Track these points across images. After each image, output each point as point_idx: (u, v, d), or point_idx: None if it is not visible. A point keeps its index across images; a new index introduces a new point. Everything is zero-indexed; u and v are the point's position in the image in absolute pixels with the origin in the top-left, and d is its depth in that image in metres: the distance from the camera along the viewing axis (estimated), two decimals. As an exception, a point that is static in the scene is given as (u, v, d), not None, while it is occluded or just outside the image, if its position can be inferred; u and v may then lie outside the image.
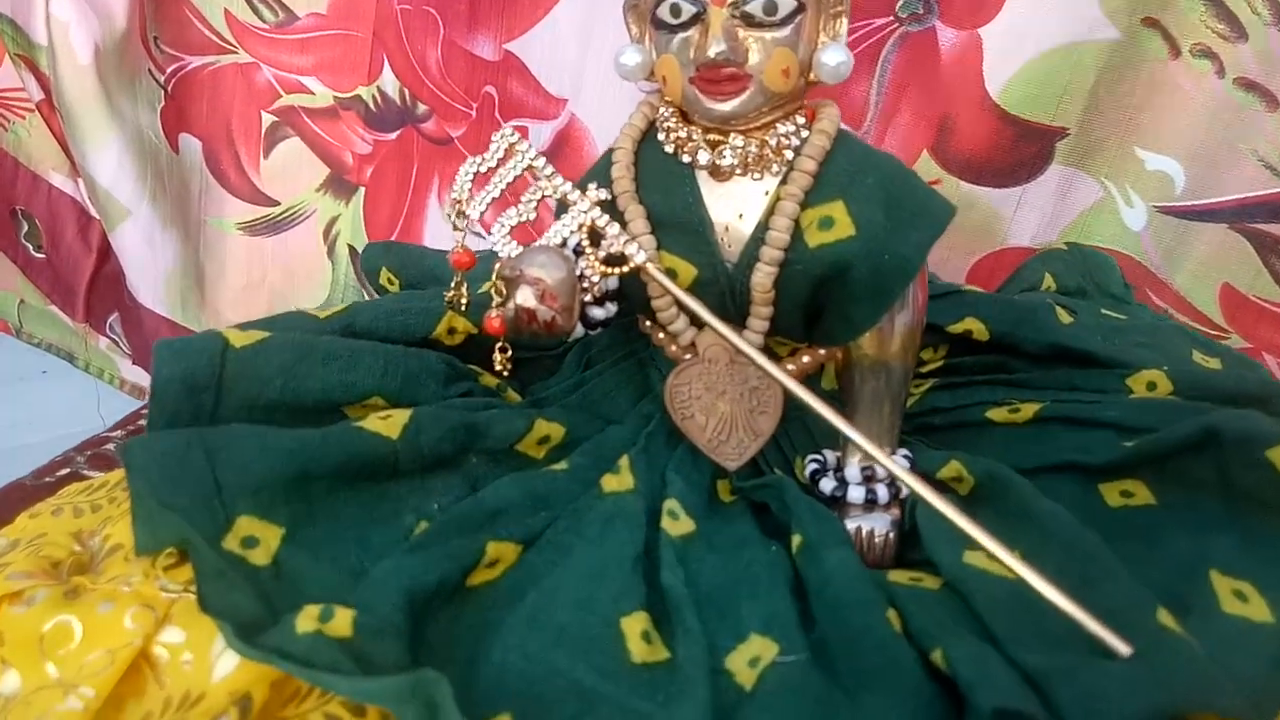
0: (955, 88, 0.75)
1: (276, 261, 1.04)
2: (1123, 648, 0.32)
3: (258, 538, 0.37)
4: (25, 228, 1.17)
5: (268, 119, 0.98)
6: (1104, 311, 0.58)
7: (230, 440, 0.38)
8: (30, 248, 1.20)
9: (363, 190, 0.99)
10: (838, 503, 0.44)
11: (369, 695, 0.31)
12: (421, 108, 0.93)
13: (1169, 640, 0.33)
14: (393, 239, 0.97)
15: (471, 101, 0.91)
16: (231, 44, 0.96)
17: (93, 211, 1.12)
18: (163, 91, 1.01)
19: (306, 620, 0.33)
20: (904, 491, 0.44)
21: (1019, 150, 0.76)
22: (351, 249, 1.01)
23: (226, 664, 0.35)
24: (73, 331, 1.24)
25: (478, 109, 0.91)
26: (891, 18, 0.75)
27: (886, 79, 0.77)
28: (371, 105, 0.95)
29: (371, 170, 0.98)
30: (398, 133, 0.96)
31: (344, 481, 0.40)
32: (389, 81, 0.94)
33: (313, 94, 0.96)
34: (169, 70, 0.99)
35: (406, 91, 0.93)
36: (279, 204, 1.01)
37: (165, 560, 0.38)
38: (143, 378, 1.23)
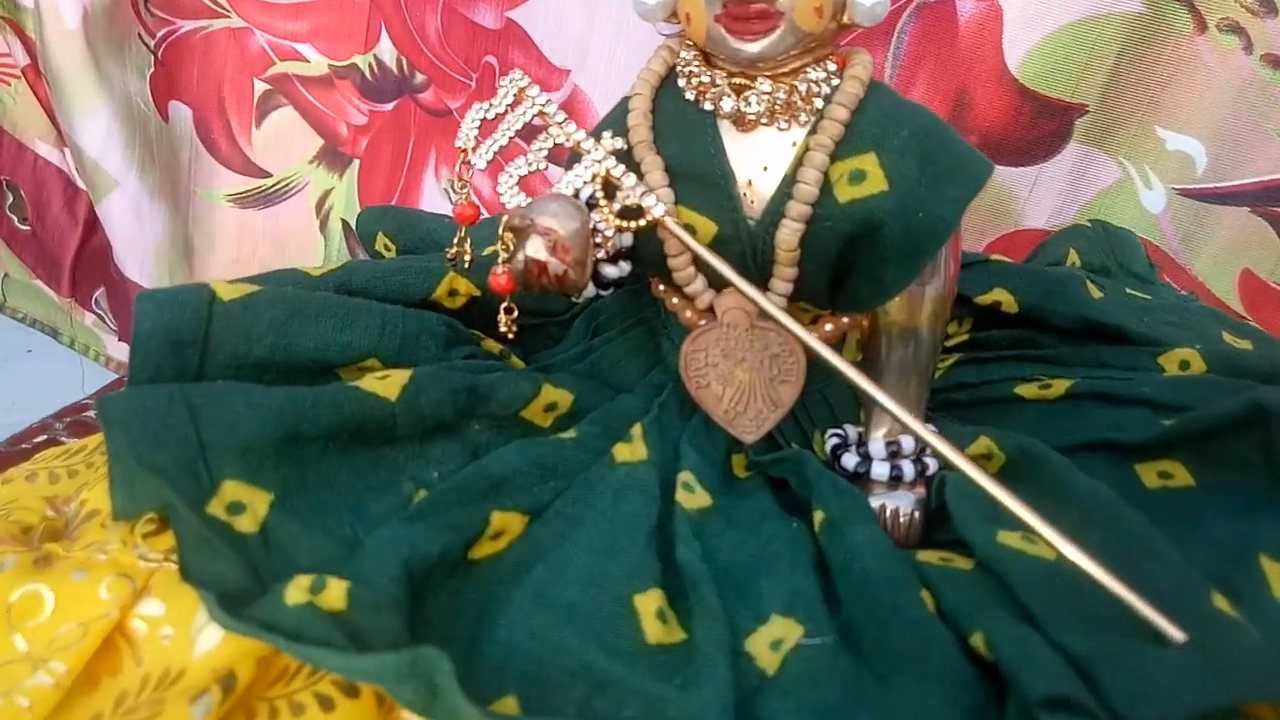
0: (973, 61, 0.73)
1: (267, 235, 1.02)
2: (1176, 634, 0.30)
3: (244, 503, 0.35)
4: (10, 199, 1.16)
5: (260, 87, 0.96)
6: (1129, 291, 0.57)
7: (216, 397, 0.36)
8: (15, 220, 1.18)
9: (357, 163, 0.97)
10: (860, 480, 0.43)
11: (364, 673, 0.29)
12: (419, 77, 0.92)
13: (1224, 626, 0.31)
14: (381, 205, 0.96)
15: (471, 72, 0.89)
16: (224, 8, 0.94)
17: (79, 183, 1.10)
18: (152, 57, 0.99)
19: (297, 591, 0.30)
20: (930, 469, 0.42)
21: (1037, 127, 0.74)
22: (345, 223, 0.99)
23: (209, 639, 0.32)
24: (58, 306, 1.23)
25: (478, 80, 0.89)
26: (910, -12, 0.73)
27: (903, 51, 0.75)
28: (368, 74, 0.93)
29: (366, 142, 0.96)
30: (394, 103, 0.94)
31: (338, 445, 0.37)
32: (386, 50, 0.92)
33: (307, 61, 0.94)
34: (159, 35, 0.97)
35: (404, 60, 0.91)
36: (271, 175, 1.00)
37: (145, 527, 0.35)
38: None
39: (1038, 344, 0.51)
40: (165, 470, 0.34)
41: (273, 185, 1.00)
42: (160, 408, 0.35)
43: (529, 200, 0.39)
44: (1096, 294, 0.51)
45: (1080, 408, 0.45)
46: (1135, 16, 0.69)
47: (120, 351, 1.22)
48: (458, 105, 0.91)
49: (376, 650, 0.29)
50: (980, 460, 0.42)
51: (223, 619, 0.30)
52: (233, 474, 0.35)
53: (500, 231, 0.39)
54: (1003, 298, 0.51)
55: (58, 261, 1.18)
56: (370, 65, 0.93)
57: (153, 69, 0.99)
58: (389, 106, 0.94)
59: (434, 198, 0.95)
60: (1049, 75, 0.72)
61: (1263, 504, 0.38)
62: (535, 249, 0.37)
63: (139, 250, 1.06)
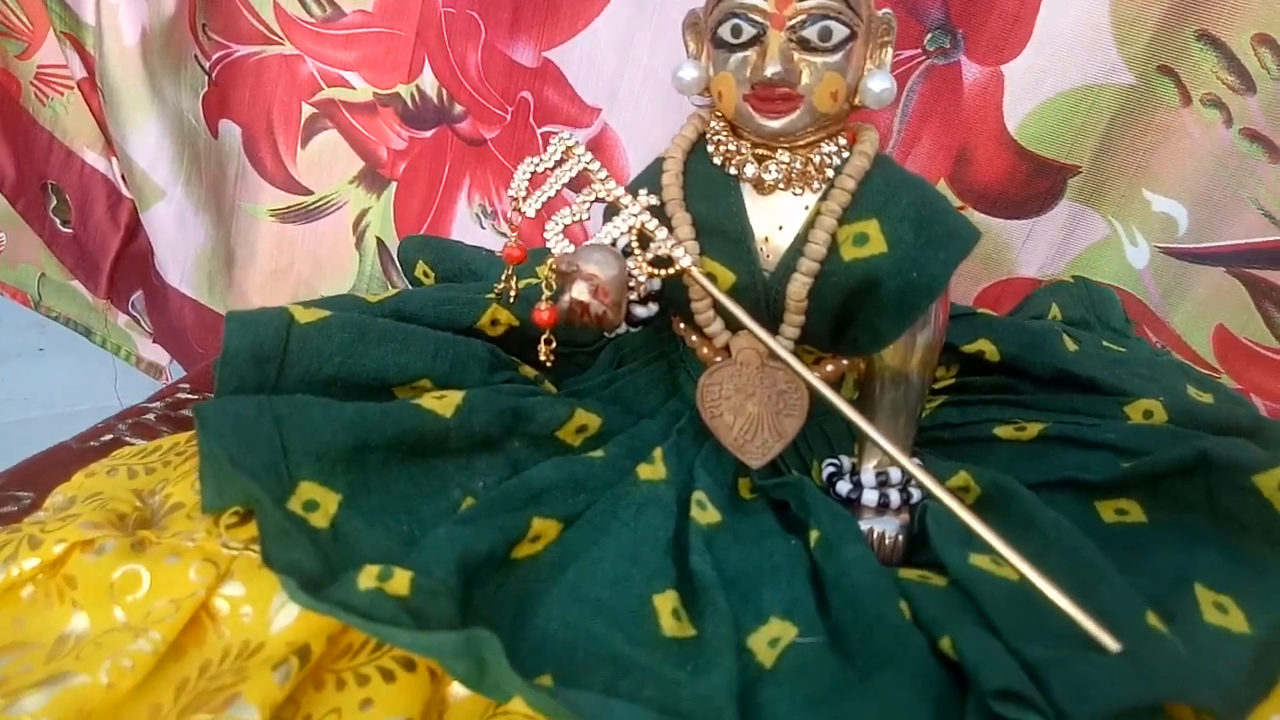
0: (975, 121, 0.79)
1: (305, 249, 1.07)
2: (1113, 644, 0.35)
3: (318, 501, 0.40)
4: (54, 202, 1.20)
5: (308, 110, 1.01)
6: (1105, 344, 0.62)
7: (298, 409, 0.41)
8: (57, 222, 1.22)
9: (395, 185, 1.02)
10: (852, 505, 0.47)
11: (426, 649, 0.33)
12: (458, 108, 0.97)
13: (1155, 639, 0.36)
14: (421, 234, 1.00)
15: (507, 105, 0.94)
16: (278, 35, 0.99)
17: (124, 190, 1.15)
18: (207, 78, 1.04)
19: (367, 578, 0.35)
20: (914, 498, 0.47)
21: (1032, 184, 0.79)
22: (380, 241, 1.03)
23: (285, 617, 0.37)
24: (92, 307, 1.26)
25: (513, 113, 0.94)
26: (919, 50, 0.78)
27: (911, 108, 0.80)
28: (410, 103, 0.98)
29: (405, 166, 1.01)
30: (433, 131, 0.99)
31: (397, 455, 0.43)
32: (428, 81, 0.97)
33: (353, 89, 1.00)
34: (215, 57, 1.03)
35: (445, 92, 0.96)
36: (312, 193, 1.05)
37: (228, 519, 0.41)
38: (161, 356, 1.26)
39: (1016, 390, 0.56)
40: (253, 470, 0.39)
41: (314, 202, 1.05)
42: (250, 416, 0.40)
43: (573, 247, 0.44)
44: (1072, 347, 0.57)
45: (1050, 449, 0.50)
46: (1127, 88, 0.75)
47: (152, 352, 1.27)
48: (493, 136, 0.96)
49: (435, 630, 0.34)
50: (959, 492, 0.47)
51: (304, 600, 0.35)
52: (309, 475, 0.40)
53: (546, 274, 0.44)
54: (986, 348, 0.56)
55: (97, 264, 1.22)
56: (412, 95, 0.98)
57: (206, 89, 1.05)
58: (428, 134, 0.99)
59: (466, 221, 1.00)
60: (1045, 137, 0.77)
61: (1202, 540, 0.43)
62: (580, 292, 0.42)
63: (181, 258, 1.11)
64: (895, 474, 0.47)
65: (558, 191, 0.46)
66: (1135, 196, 0.78)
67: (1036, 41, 0.75)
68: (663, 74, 0.87)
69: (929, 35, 0.78)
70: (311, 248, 1.06)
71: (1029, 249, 0.82)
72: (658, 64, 0.87)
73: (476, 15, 0.92)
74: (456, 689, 0.37)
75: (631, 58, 0.88)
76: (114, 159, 1.14)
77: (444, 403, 0.44)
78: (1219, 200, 0.76)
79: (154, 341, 1.24)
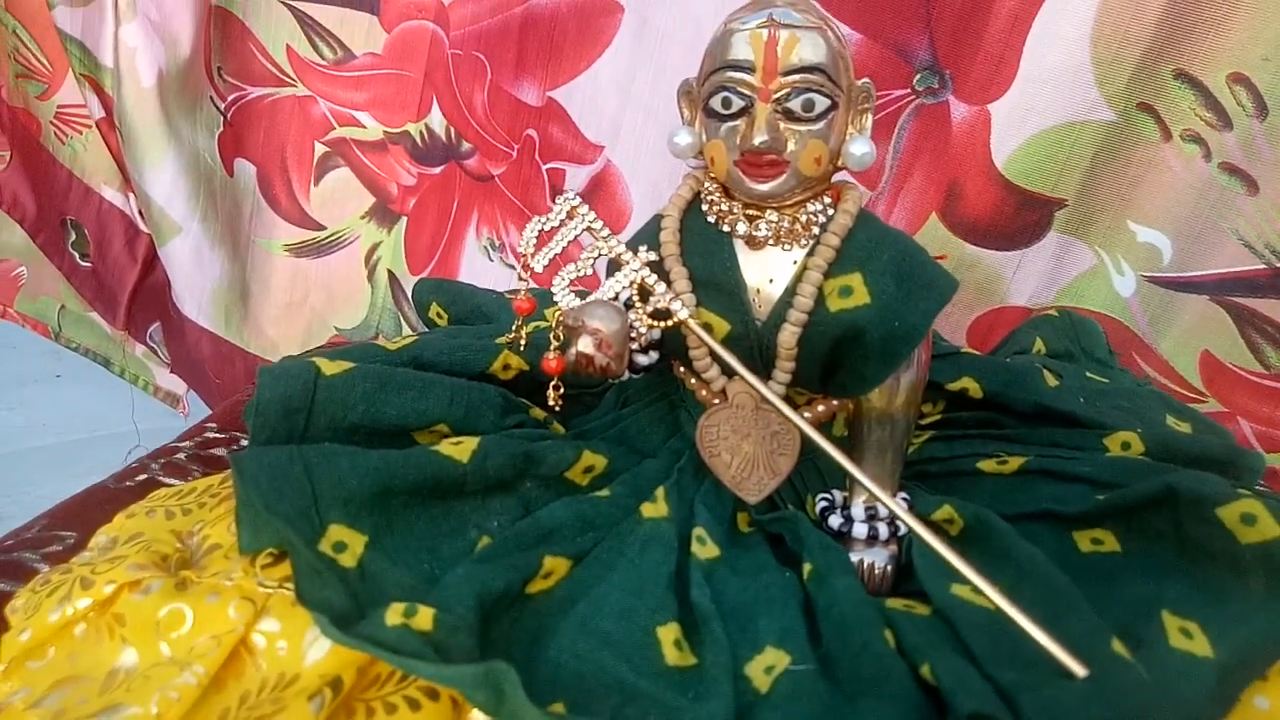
0: (964, 157, 0.82)
1: (319, 282, 1.10)
2: (1079, 670, 0.38)
3: (346, 543, 0.43)
4: (73, 237, 1.23)
5: (320, 149, 1.05)
6: (1088, 375, 0.64)
7: (326, 457, 0.44)
8: (76, 256, 1.25)
9: (405, 220, 1.05)
10: (843, 537, 0.50)
11: (448, 680, 0.36)
12: (465, 145, 1.00)
13: (1119, 665, 0.39)
14: (431, 267, 1.04)
15: (513, 143, 0.97)
16: (291, 78, 1.03)
17: (141, 225, 1.18)
18: (222, 118, 1.07)
19: (394, 615, 0.38)
20: (902, 530, 0.50)
21: (1021, 217, 0.82)
22: (391, 274, 1.07)
23: (317, 651, 0.40)
24: (110, 338, 1.29)
25: (519, 150, 0.97)
26: (909, 90, 0.82)
27: (902, 146, 0.83)
28: (419, 141, 1.02)
29: (414, 201, 1.04)
30: (441, 168, 1.02)
31: (418, 498, 0.46)
32: (437, 120, 1.01)
33: (364, 128, 1.03)
34: (230, 99, 1.06)
35: (453, 130, 1.00)
36: (325, 229, 1.08)
37: (263, 560, 0.44)
38: (178, 385, 1.29)
39: (999, 425, 0.59)
40: (286, 515, 0.42)
41: (326, 237, 1.08)
42: (282, 464, 0.44)
43: (579, 302, 0.47)
44: (1053, 382, 0.59)
45: (1030, 482, 0.53)
46: (1109, 124, 0.78)
47: (169, 382, 1.30)
48: (499, 172, 0.99)
49: (457, 663, 0.36)
50: (943, 524, 0.50)
51: (336, 635, 0.37)
52: (337, 519, 0.43)
53: (554, 328, 0.48)
54: (970, 385, 0.59)
55: (115, 297, 1.25)
56: (421, 133, 1.02)
57: (221, 129, 1.08)
58: (437, 170, 1.03)
59: (474, 254, 1.03)
60: (1032, 172, 0.80)
61: (1171, 568, 0.46)
62: (585, 345, 0.45)
63: (197, 291, 1.15)
64: (884, 508, 0.50)
65: (564, 249, 0.49)
66: (1120, 228, 0.81)
67: (1021, 81, 0.78)
68: (662, 113, 0.90)
69: (918, 76, 0.81)
70: (325, 281, 1.10)
71: (1019, 279, 0.85)
72: (658, 104, 0.90)
73: (482, 57, 0.96)
74: (477, 716, 0.39)
75: (633, 97, 0.92)
76: (131, 195, 1.17)
77: (461, 448, 0.47)
78: (1201, 231, 0.78)
79: (171, 372, 1.28)
